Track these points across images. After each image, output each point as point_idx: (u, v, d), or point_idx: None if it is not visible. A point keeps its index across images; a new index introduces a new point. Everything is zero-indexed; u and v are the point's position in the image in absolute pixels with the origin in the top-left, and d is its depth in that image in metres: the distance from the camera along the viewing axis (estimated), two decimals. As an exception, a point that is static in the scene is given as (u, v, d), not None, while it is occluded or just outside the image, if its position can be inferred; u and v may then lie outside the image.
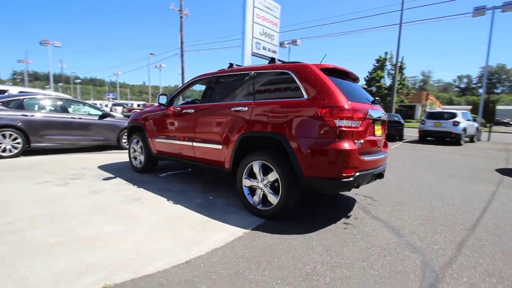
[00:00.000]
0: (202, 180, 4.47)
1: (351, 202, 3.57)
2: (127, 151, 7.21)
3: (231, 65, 3.78)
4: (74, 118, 6.70)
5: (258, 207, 2.94)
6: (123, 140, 7.73)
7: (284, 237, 2.49)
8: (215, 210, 3.09)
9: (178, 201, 3.32)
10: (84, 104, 7.47)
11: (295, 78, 2.81)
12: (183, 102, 4.52)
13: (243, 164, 3.04)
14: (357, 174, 2.55)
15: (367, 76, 34.04)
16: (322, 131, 2.50)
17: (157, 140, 4.30)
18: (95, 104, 17.01)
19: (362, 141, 2.66)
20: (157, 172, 4.85)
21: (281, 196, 2.72)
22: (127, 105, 32.62)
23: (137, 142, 4.82)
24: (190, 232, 2.50)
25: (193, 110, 3.69)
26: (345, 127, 2.46)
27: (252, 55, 14.97)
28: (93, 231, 2.43)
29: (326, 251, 2.25)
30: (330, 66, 2.84)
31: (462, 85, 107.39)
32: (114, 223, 2.61)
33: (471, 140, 13.35)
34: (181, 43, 24.16)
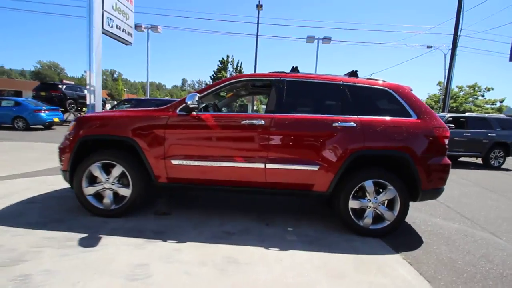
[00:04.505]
0: (218, 208, 3.45)
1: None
2: None
3: (295, 68, 3.18)
4: None
5: (370, 227, 2.84)
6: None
7: (425, 248, 2.65)
8: (332, 244, 2.62)
9: (276, 246, 2.49)
10: None
11: (397, 97, 2.93)
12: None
13: (349, 185, 2.80)
14: None
15: (212, 75, 36.29)
16: (437, 149, 2.85)
17: (176, 162, 2.80)
18: None
19: None
20: (132, 212, 3.17)
21: (399, 212, 2.81)
22: None
23: (103, 168, 2.87)
24: (381, 280, 2.07)
25: (263, 122, 2.79)
26: (447, 144, 2.95)
27: (103, 33, 12.19)
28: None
29: (453, 245, 2.68)
30: (411, 88, 3.18)
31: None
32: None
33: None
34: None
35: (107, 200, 2.90)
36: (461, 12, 16.61)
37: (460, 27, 17.18)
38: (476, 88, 32.28)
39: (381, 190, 2.87)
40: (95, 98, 11.81)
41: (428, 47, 20.93)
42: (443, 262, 2.43)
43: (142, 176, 2.88)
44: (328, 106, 2.99)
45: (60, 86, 16.30)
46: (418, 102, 2.97)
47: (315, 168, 2.78)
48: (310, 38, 18.75)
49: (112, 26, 13.29)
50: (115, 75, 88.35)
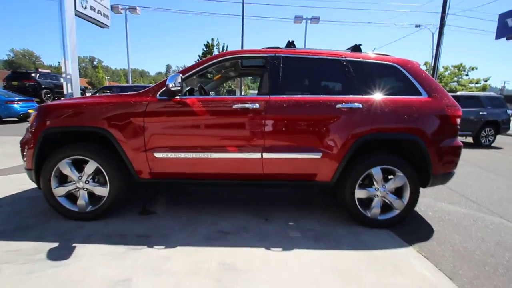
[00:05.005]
0: (210, 204, 3.15)
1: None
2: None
3: (291, 43, 2.80)
4: None
5: (378, 218, 2.61)
6: None
7: (437, 237, 2.44)
8: (339, 239, 2.37)
9: (279, 245, 2.21)
10: None
11: (406, 74, 2.63)
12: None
13: (355, 173, 2.53)
14: None
15: (197, 60, 34.97)
16: (448, 130, 2.59)
17: (159, 155, 2.43)
18: None
19: None
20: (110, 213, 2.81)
21: (409, 200, 2.58)
22: None
23: (74, 165, 2.48)
24: (400, 280, 1.83)
25: (258, 105, 2.43)
26: (458, 124, 2.70)
27: (76, 15, 11.37)
28: None
29: (465, 232, 2.49)
30: (419, 63, 2.88)
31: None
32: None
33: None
34: None
35: (81, 201, 2.52)
36: (450, -11, 16.32)
37: (448, 5, 16.96)
38: (461, 68, 32.66)
39: (388, 177, 2.63)
40: (73, 87, 11.01)
41: (416, 26, 20.69)
42: (460, 254, 2.23)
43: (121, 172, 2.51)
44: (330, 86, 2.68)
45: (33, 74, 15.16)
46: (428, 78, 2.68)
47: (318, 156, 2.48)
48: (298, 18, 18.08)
49: (86, 8, 12.30)
50: (95, 62, 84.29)
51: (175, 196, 3.30)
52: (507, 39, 16.47)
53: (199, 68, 2.55)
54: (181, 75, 2.36)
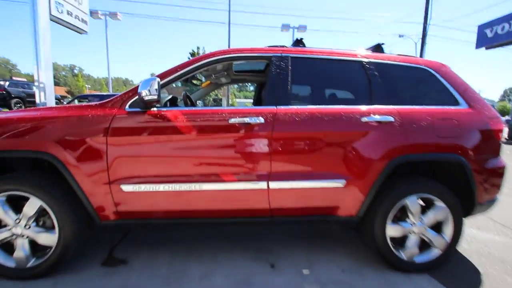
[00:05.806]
0: (196, 245, 2.50)
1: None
2: None
3: (300, 41, 2.25)
4: None
5: (415, 260, 2.06)
6: None
7: (489, 285, 1.92)
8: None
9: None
10: None
11: (440, 79, 2.15)
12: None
13: (387, 204, 1.98)
14: None
15: (183, 68, 34.27)
16: (493, 148, 2.12)
17: (129, 188, 1.78)
18: None
19: None
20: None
21: (453, 236, 2.06)
22: None
23: (9, 203, 1.79)
24: None
25: (262, 119, 1.85)
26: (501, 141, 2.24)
27: (52, 19, 10.56)
28: None
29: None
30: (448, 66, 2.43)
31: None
32: None
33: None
34: None
35: (20, 253, 1.81)
36: (430, 1, 16.74)
37: (429, 16, 17.38)
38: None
39: (424, 207, 2.11)
40: (46, 96, 10.02)
41: (400, 36, 21.11)
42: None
43: (75, 212, 1.83)
44: (351, 94, 2.15)
45: (2, 83, 13.97)
46: (466, 85, 2.21)
47: (340, 184, 1.92)
48: (285, 27, 17.93)
49: (62, 12, 11.41)
50: (75, 71, 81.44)
51: (153, 234, 2.62)
52: (486, 48, 17.01)
53: (183, 71, 1.94)
54: (158, 79, 1.75)
